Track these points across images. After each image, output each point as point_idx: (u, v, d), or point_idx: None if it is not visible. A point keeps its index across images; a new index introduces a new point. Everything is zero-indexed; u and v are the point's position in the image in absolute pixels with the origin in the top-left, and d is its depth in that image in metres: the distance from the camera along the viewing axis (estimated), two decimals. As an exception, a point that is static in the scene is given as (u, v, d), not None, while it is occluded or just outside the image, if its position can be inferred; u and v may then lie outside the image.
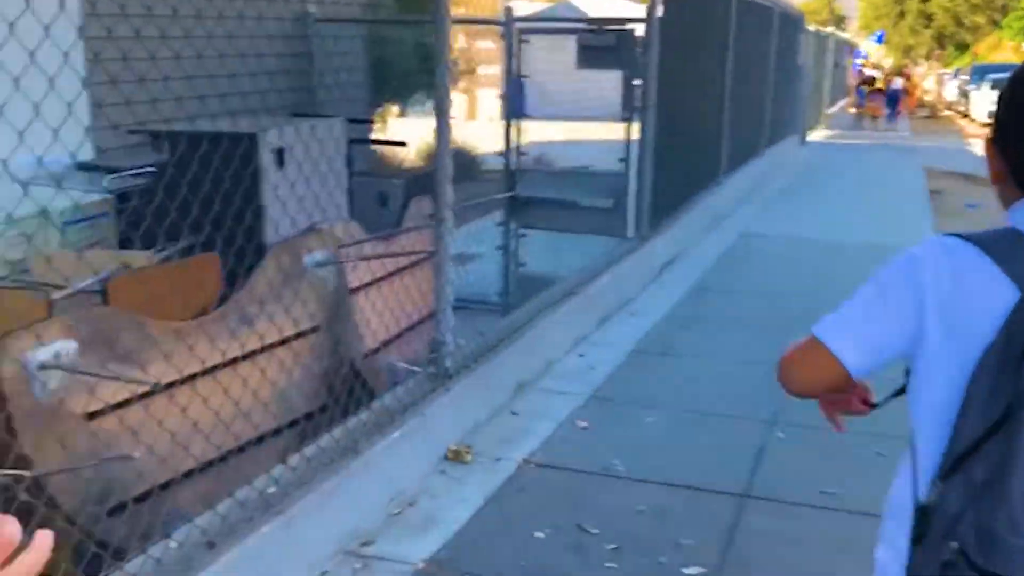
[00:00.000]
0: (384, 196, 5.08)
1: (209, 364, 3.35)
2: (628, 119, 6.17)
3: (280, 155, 3.76)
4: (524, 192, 6.33)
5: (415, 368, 4.58)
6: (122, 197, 4.23)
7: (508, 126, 6.21)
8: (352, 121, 6.45)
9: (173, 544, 2.85)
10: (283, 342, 3.72)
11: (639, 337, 5.71)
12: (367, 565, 3.19)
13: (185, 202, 3.61)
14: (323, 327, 3.98)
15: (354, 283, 4.33)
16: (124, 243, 4.09)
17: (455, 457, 3.87)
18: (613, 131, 6.45)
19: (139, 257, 3.50)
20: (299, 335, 3.84)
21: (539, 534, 3.43)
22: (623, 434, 4.34)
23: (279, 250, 3.76)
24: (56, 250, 3.66)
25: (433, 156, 3.76)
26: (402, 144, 6.06)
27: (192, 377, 3.33)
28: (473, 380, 4.07)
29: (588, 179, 6.65)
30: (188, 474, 3.33)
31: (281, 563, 2.94)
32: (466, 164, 8.62)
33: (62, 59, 2.84)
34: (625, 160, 6.23)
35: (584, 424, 4.41)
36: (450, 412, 3.92)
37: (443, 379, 3.87)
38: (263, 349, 3.64)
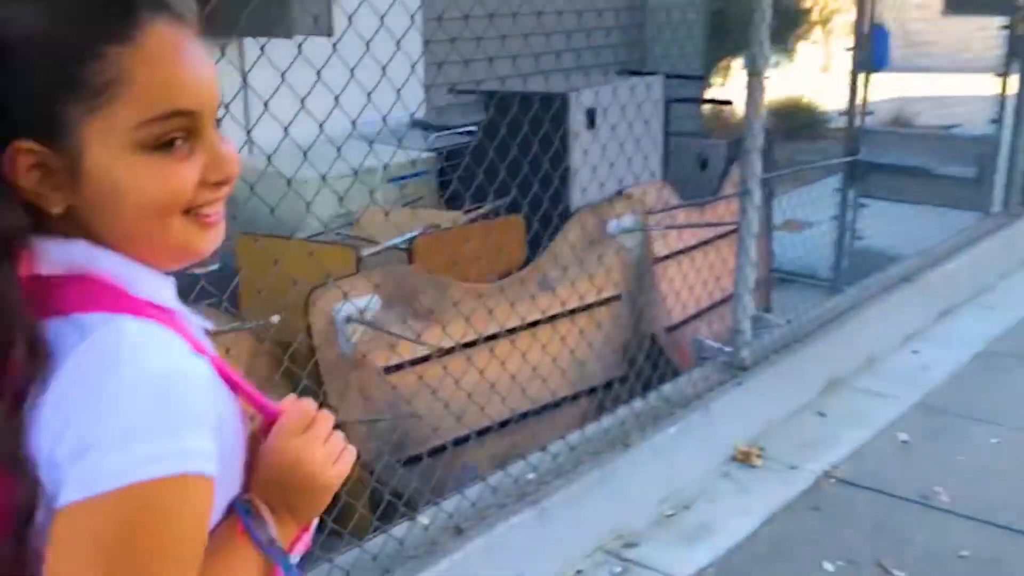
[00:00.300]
0: (704, 159, 4.78)
1: (507, 327, 3.34)
2: (1004, 73, 5.25)
3: (591, 116, 3.63)
4: (868, 156, 5.67)
5: (725, 348, 4.29)
6: (449, 156, 4.35)
7: (853, 80, 5.55)
8: (680, 77, 6.19)
9: (466, 502, 2.88)
10: (583, 309, 3.62)
11: (991, 336, 4.80)
12: (627, 570, 2.93)
13: (494, 163, 3.61)
14: (625, 296, 3.83)
15: (662, 251, 4.12)
16: (444, 201, 4.22)
17: (743, 459, 3.48)
18: (984, 87, 5.54)
19: (449, 217, 3.57)
20: (600, 303, 3.72)
21: (828, 566, 2.96)
22: (953, 455, 3.63)
23: (584, 215, 3.65)
24: (377, 207, 3.84)
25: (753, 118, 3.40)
26: (727, 103, 5.68)
27: (491, 338, 3.34)
28: (774, 373, 3.66)
29: (947, 143, 5.81)
30: (483, 432, 3.37)
31: (531, 555, 2.80)
32: (805, 122, 8.00)
33: (409, 21, 2.92)
34: (998, 121, 5.32)
35: (905, 437, 3.76)
36: (742, 407, 3.54)
37: (736, 371, 3.53)
38: (562, 315, 3.57)
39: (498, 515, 2.74)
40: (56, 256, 0.83)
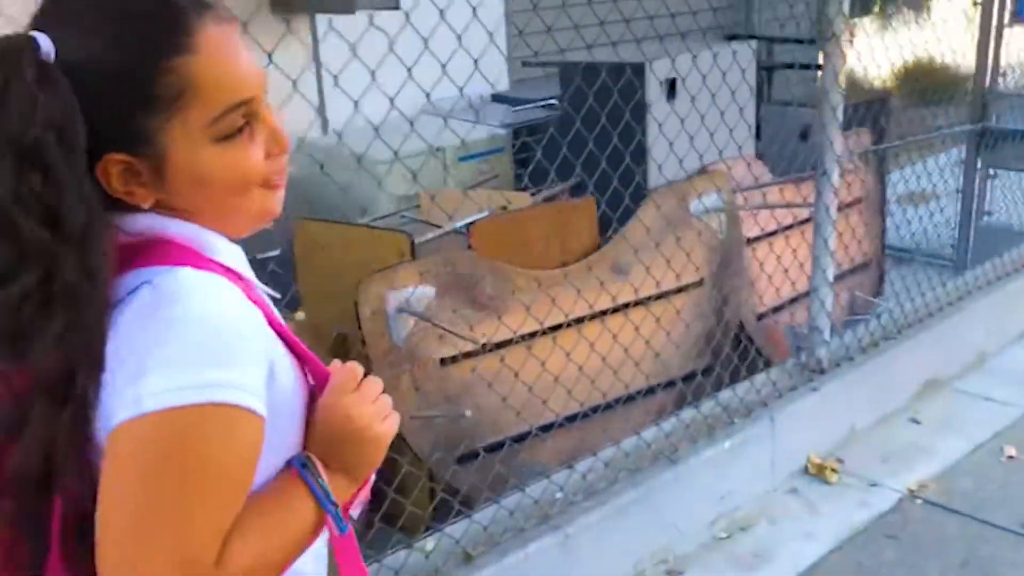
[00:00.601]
0: (806, 130, 4.38)
1: (573, 316, 3.13)
2: None
3: (671, 87, 3.34)
4: (1001, 123, 5.11)
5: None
6: (529, 131, 4.15)
7: (984, 35, 4.99)
8: (789, 42, 5.75)
9: (529, 499, 2.70)
10: (659, 296, 3.36)
11: None
12: (669, 597, 2.64)
13: (567, 140, 3.39)
14: (708, 282, 3.55)
15: (753, 231, 3.80)
16: (526, 180, 4.02)
17: (817, 472, 3.07)
18: None
19: (517, 198, 3.37)
20: (680, 289, 3.45)
21: (903, 609, 2.61)
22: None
23: (661, 194, 3.38)
24: (445, 188, 3.69)
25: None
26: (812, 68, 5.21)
27: (555, 328, 3.14)
28: (860, 374, 3.23)
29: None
30: (547, 428, 3.19)
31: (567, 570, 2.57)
32: (935, 85, 7.34)
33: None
34: None
35: (1013, 453, 3.25)
36: (817, 415, 3.14)
37: (812, 373, 3.14)
38: (636, 303, 3.32)
39: (517, 540, 2.53)
40: (131, 226, 0.93)
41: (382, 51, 2.28)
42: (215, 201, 0.93)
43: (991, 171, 5.23)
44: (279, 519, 0.91)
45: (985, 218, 5.27)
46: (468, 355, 2.96)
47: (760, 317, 3.89)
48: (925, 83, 7.34)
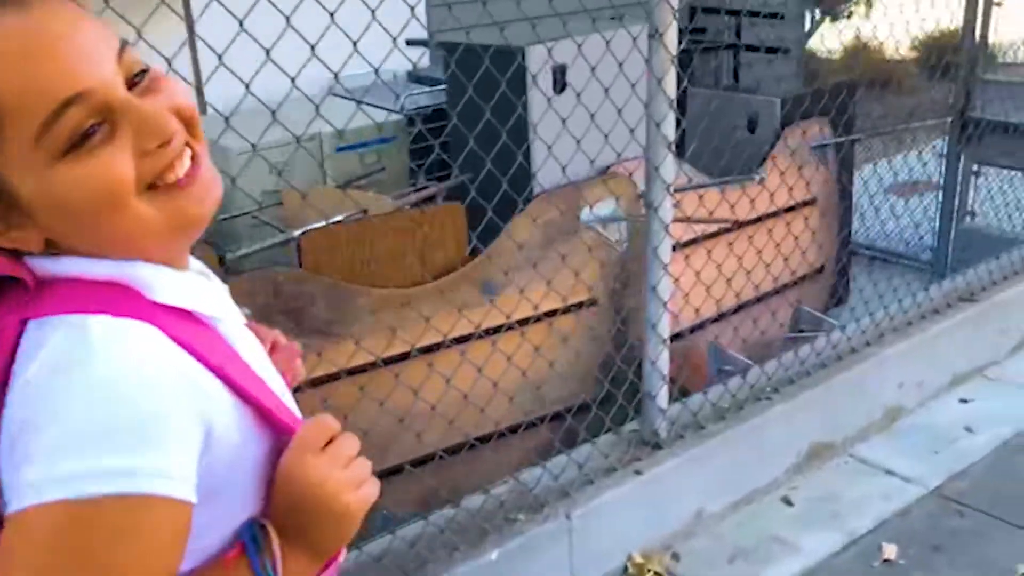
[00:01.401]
0: (753, 120, 3.88)
1: (421, 345, 2.70)
2: None
3: (561, 75, 2.84)
4: (984, 113, 4.55)
5: (748, 361, 3.47)
6: (429, 118, 3.68)
7: (970, 12, 4.40)
8: (757, 16, 5.19)
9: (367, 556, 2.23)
10: (538, 319, 2.91)
11: None
12: None
13: (443, 134, 2.94)
14: (604, 301, 3.09)
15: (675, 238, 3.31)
16: (415, 174, 3.56)
17: (638, 573, 2.35)
18: None
19: (378, 202, 2.91)
20: (567, 310, 3.00)
21: None
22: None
23: (541, 203, 2.91)
24: (312, 185, 3.25)
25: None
26: (785, 51, 4.66)
27: (401, 358, 2.70)
28: (717, 443, 2.49)
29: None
30: (394, 472, 2.77)
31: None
32: (893, 68, 6.73)
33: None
34: None
35: (891, 555, 2.46)
36: (647, 498, 2.42)
37: (650, 449, 2.40)
38: (507, 327, 2.88)
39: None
40: (45, 269, 0.80)
41: (272, 23, 1.88)
42: (91, 228, 0.78)
43: (975, 167, 4.68)
44: None
45: (967, 219, 4.73)
46: (314, 384, 2.53)
47: (676, 337, 3.43)
48: (898, 69, 6.76)
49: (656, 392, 2.31)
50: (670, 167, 2.15)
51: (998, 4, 4.34)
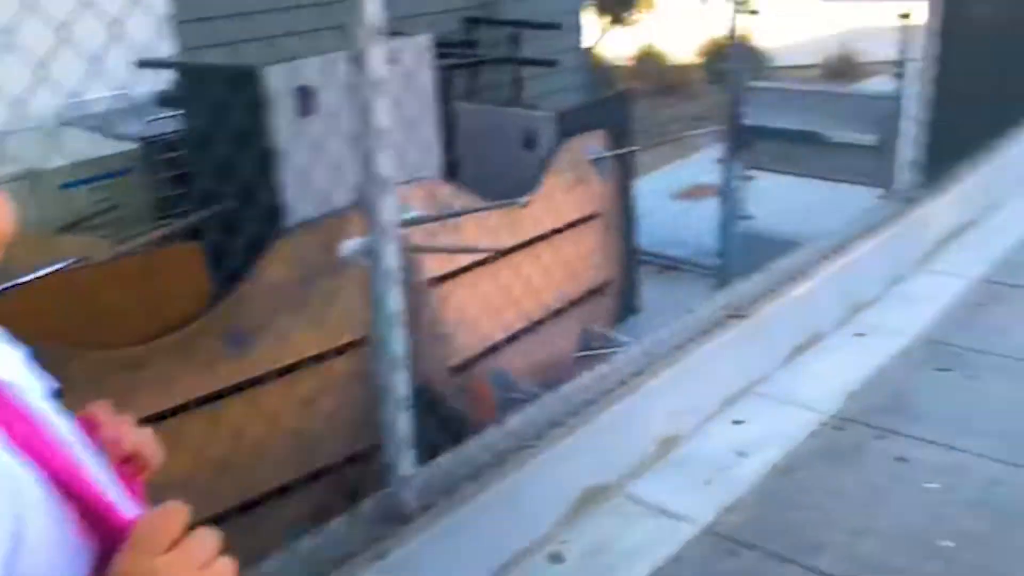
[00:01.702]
0: (531, 136, 3.76)
1: (165, 407, 2.36)
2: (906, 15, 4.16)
3: (305, 98, 2.59)
4: (753, 119, 4.67)
5: (533, 389, 3.32)
6: (174, 146, 3.30)
7: (733, 20, 4.48)
8: (533, 27, 5.11)
9: None
10: (294, 367, 2.63)
11: (857, 385, 3.15)
12: None
13: (176, 165, 2.60)
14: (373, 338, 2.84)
15: (439, 269, 3.12)
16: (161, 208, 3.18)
17: None
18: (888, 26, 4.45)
19: (96, 247, 2.53)
20: (331, 354, 2.73)
21: None
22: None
23: (298, 237, 2.64)
24: (29, 228, 2.81)
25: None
26: (550, 64, 4.62)
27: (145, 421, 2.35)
28: (474, 507, 2.18)
29: (847, 103, 4.81)
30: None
31: None
32: (678, 75, 6.95)
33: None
34: (900, 73, 4.27)
35: None
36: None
37: (396, 525, 2.05)
38: (264, 379, 2.58)
39: None
40: None
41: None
42: None
43: (746, 172, 4.79)
44: None
45: (741, 223, 4.83)
46: None
47: (459, 369, 3.24)
48: (685, 75, 6.97)
49: (397, 460, 2.06)
50: (391, 208, 1.93)
51: (754, 13, 4.44)
